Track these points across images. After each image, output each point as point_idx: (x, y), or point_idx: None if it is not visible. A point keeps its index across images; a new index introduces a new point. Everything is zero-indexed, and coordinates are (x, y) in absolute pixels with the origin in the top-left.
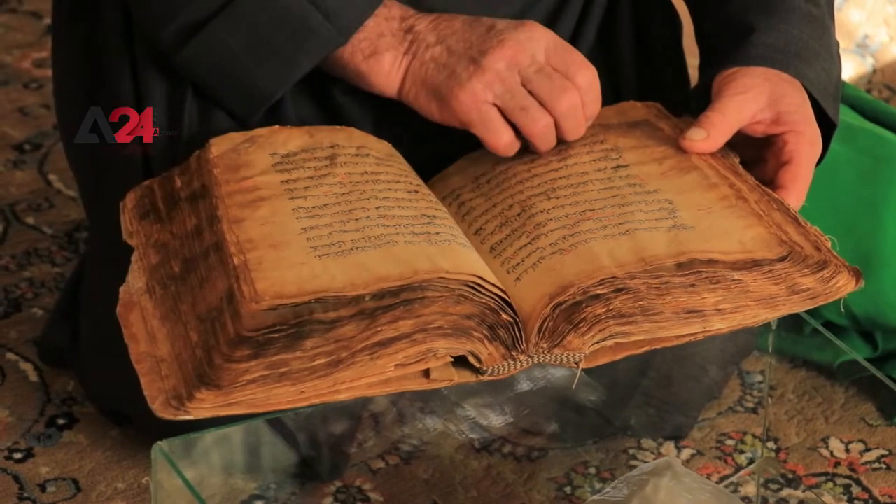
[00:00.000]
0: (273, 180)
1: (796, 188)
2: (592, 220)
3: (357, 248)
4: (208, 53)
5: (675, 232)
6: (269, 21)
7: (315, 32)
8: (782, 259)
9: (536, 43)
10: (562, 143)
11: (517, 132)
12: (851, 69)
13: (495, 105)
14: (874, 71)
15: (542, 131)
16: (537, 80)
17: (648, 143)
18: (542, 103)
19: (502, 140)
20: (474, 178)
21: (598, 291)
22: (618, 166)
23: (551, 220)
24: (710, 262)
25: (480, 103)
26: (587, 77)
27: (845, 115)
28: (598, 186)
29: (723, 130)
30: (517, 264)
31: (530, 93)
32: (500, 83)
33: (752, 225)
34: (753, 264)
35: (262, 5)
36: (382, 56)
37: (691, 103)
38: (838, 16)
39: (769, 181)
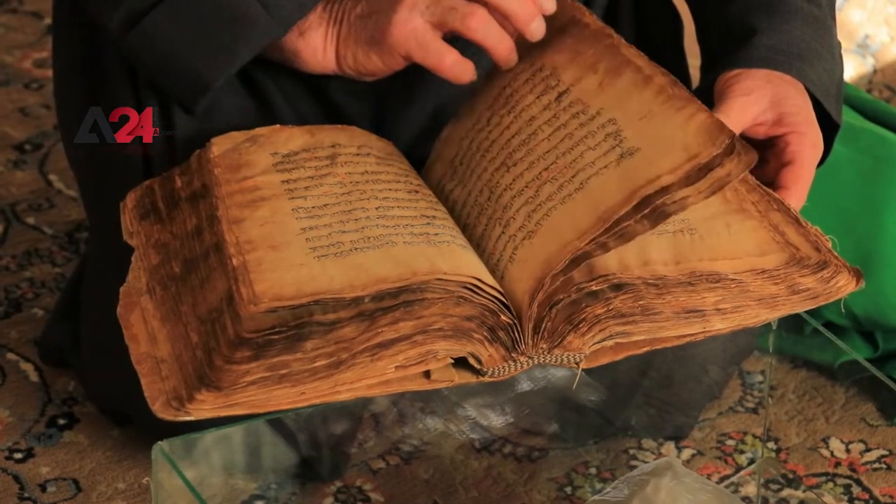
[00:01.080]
0: (273, 180)
1: (798, 189)
2: (549, 181)
3: (356, 248)
4: (150, 41)
5: (623, 162)
6: (210, 10)
7: (254, 22)
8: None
9: None
10: (508, 88)
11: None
12: (852, 69)
13: (429, 24)
14: (874, 71)
15: (479, 25)
16: None
17: (580, 50)
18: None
19: (446, 60)
20: (451, 163)
21: (595, 287)
22: (559, 95)
23: (515, 196)
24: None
25: (412, 29)
26: None
27: (846, 116)
28: (547, 132)
29: None
30: (498, 260)
31: None
32: (423, 0)
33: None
34: (760, 272)
35: None
36: (314, 32)
37: None
38: (839, 16)
39: (770, 182)
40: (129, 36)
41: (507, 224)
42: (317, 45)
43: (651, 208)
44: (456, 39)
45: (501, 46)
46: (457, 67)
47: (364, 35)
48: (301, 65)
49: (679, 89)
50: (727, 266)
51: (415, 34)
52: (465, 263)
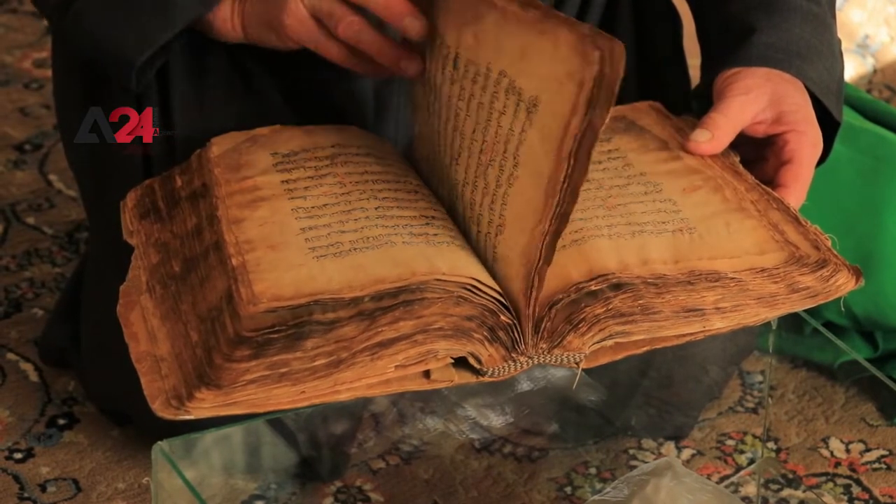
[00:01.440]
0: (273, 180)
1: (797, 187)
2: (490, 164)
3: (355, 248)
4: (81, 23)
5: (533, 117)
6: None
7: (174, 4)
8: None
9: None
10: (428, 73)
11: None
12: (852, 69)
13: (314, 18)
14: (874, 71)
15: (350, 32)
16: None
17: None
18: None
19: (332, 52)
20: (426, 162)
21: (594, 287)
22: (453, 62)
23: (472, 191)
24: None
25: (302, 19)
26: None
27: (846, 116)
28: (464, 108)
29: (726, 132)
30: (485, 260)
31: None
32: None
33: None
34: (760, 271)
35: None
36: (223, 4)
37: (692, 103)
38: (839, 16)
39: (770, 180)
40: (63, 20)
41: (478, 222)
42: (225, 16)
43: (574, 153)
44: None
45: (381, 51)
46: (346, 60)
47: (263, 18)
48: (216, 35)
49: (532, 10)
50: (726, 265)
51: (306, 27)
52: (463, 264)
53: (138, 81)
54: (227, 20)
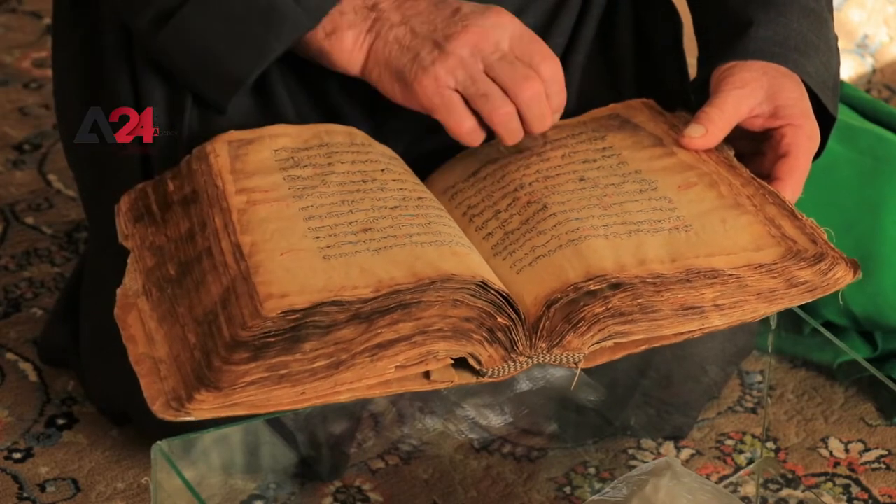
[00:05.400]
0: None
1: (793, 180)
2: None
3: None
4: (181, 38)
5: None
6: (240, 5)
7: (285, 16)
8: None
9: (502, 30)
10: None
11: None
12: (851, 69)
13: (457, 91)
14: (874, 71)
15: (503, 119)
16: (500, 68)
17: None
18: (504, 91)
19: (464, 126)
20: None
21: (593, 287)
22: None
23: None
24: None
25: (443, 89)
26: (551, 68)
27: (845, 116)
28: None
29: (721, 126)
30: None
31: (493, 80)
32: (463, 69)
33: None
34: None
35: None
36: (344, 33)
37: (690, 97)
38: (838, 16)
39: (766, 174)
40: (159, 35)
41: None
42: (345, 47)
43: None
44: None
45: (514, 138)
46: (473, 135)
47: (395, 66)
48: (329, 63)
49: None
50: (723, 262)
51: (442, 96)
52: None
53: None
54: (345, 51)
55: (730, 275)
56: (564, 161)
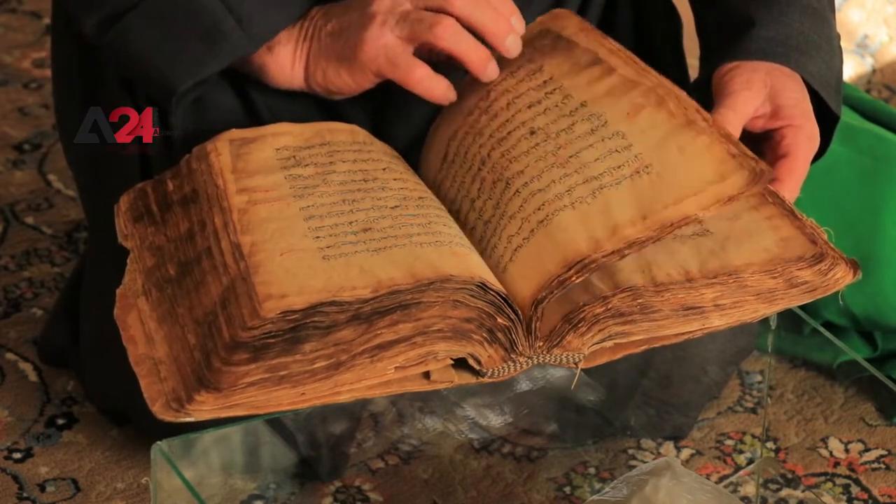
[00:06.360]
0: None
1: (791, 181)
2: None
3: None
4: (124, 44)
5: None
6: (182, 18)
7: (226, 36)
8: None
9: None
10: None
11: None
12: (851, 69)
13: (400, 40)
14: (874, 71)
15: (446, 32)
16: None
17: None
18: (439, 10)
19: (414, 74)
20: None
21: (575, 278)
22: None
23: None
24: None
25: (382, 45)
26: None
27: (845, 116)
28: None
29: (738, 128)
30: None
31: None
32: (392, 15)
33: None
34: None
35: (177, 1)
36: (283, 48)
37: (692, 96)
38: (838, 16)
39: None
40: (104, 39)
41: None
42: (285, 62)
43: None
44: (446, 66)
45: (474, 55)
46: (426, 82)
47: (335, 52)
48: (268, 80)
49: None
50: (693, 205)
51: (385, 50)
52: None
53: (177, 105)
54: (286, 66)
55: (729, 274)
56: (511, 112)
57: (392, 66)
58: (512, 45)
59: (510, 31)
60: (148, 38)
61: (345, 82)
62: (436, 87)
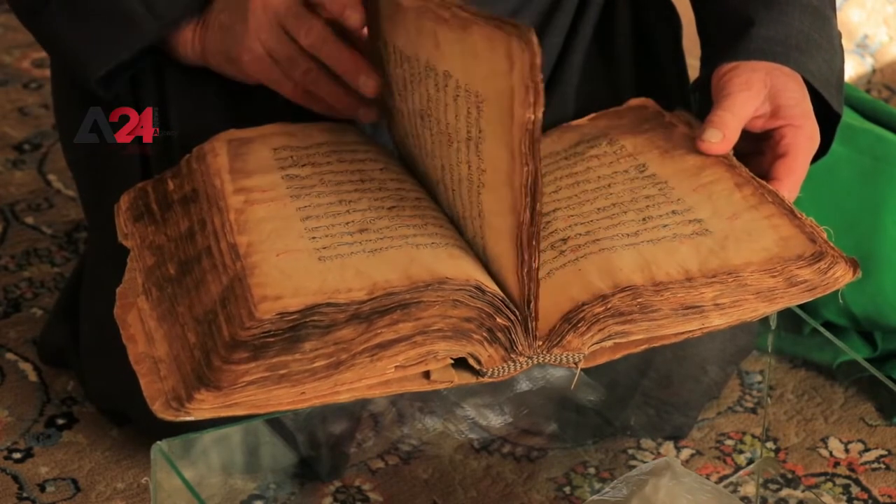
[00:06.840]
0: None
1: (790, 180)
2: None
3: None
4: (47, 30)
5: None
6: (97, 6)
7: (136, 25)
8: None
9: None
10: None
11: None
12: (851, 69)
13: (273, 48)
14: (874, 71)
15: (306, 79)
16: (287, 22)
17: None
18: (305, 49)
19: (288, 92)
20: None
21: (617, 303)
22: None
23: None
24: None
25: (260, 59)
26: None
27: (845, 116)
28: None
29: (735, 129)
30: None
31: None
32: (266, 32)
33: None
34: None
35: None
36: (183, 32)
37: (691, 97)
38: (838, 16)
39: (764, 174)
40: (33, 24)
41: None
42: (186, 40)
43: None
44: None
45: (338, 100)
46: (306, 101)
47: (222, 48)
48: (177, 57)
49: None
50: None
51: (261, 64)
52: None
53: (105, 90)
54: (187, 44)
55: (729, 273)
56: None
57: (269, 81)
58: (350, 17)
59: (347, 3)
60: (68, 24)
61: (234, 76)
62: (309, 103)
